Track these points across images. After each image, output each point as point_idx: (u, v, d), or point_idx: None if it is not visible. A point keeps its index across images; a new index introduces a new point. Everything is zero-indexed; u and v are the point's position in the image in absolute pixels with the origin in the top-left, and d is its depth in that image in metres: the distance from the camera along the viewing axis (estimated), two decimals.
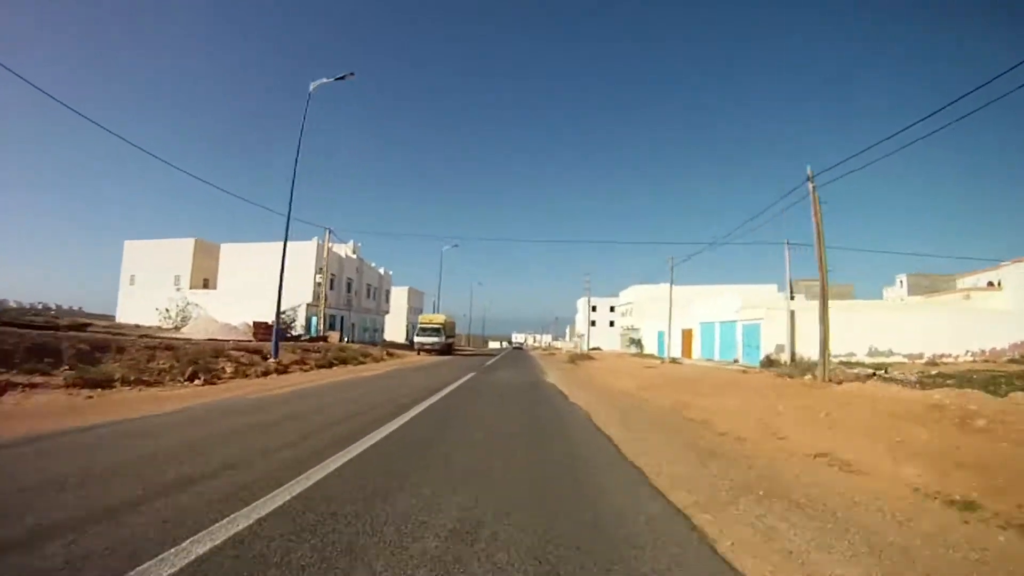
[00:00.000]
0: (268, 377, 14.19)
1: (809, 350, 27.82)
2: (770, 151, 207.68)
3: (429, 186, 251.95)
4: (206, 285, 45.63)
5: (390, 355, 27.67)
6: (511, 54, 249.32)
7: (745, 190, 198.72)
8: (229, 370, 14.08)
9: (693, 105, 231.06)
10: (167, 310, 38.15)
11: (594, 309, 75.80)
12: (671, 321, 31.28)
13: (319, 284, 36.65)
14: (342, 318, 44.69)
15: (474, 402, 9.09)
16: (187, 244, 46.47)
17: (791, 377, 15.09)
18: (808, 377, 14.12)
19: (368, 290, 50.37)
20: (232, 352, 16.14)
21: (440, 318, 35.83)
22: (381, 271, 54.16)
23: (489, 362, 27.01)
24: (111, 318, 44.91)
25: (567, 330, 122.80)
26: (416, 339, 33.50)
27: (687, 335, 38.37)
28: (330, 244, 42.09)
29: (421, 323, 35.17)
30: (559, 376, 17.33)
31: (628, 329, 57.96)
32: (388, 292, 56.76)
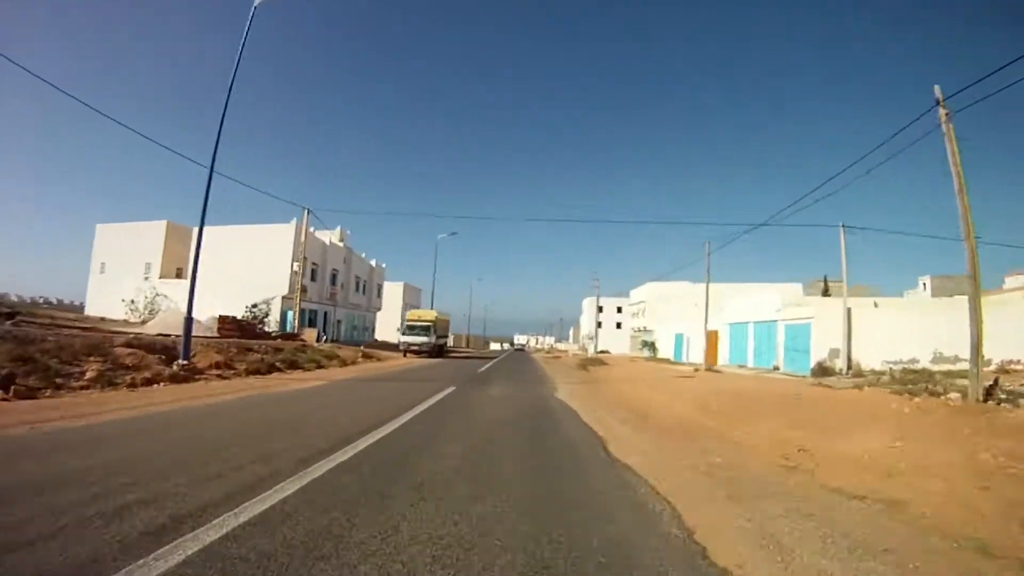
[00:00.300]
0: (149, 388, 9.73)
1: (867, 355, 23.26)
2: (775, 150, 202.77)
3: (429, 187, 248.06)
4: (179, 275, 41.27)
5: (367, 357, 23.14)
6: (511, 55, 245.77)
7: (745, 190, 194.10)
8: (91, 375, 9.64)
9: (695, 105, 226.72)
10: (132, 301, 34.31)
11: (600, 310, 71.17)
12: (707, 319, 26.68)
13: (296, 273, 32.18)
14: (326, 314, 40.23)
15: (419, 470, 4.42)
16: (158, 228, 42.21)
17: (911, 395, 10.43)
18: (954, 395, 9.44)
19: (357, 284, 45.84)
20: (119, 349, 11.69)
21: (431, 314, 31.21)
22: (372, 263, 49.61)
23: (484, 367, 22.36)
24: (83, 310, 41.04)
25: (571, 332, 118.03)
26: (402, 338, 28.91)
27: (712, 338, 33.60)
28: (311, 228, 37.69)
29: (408, 320, 30.56)
30: (573, 391, 12.67)
31: (640, 331, 53.22)
32: (380, 287, 52.20)
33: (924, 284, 56.30)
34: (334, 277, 40.66)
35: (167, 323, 25.40)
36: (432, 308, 42.29)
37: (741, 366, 27.91)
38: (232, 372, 13.16)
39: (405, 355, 28.37)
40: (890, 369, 23.32)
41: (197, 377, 11.83)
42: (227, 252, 36.78)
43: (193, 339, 16.70)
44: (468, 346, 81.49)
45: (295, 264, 33.86)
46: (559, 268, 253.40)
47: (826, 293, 43.25)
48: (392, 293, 58.75)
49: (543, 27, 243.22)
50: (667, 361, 37.79)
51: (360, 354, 22.90)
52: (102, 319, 30.89)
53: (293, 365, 15.77)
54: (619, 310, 76.94)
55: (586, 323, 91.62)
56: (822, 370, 22.25)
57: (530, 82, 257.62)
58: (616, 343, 63.22)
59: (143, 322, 27.78)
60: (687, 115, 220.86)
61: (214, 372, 12.80)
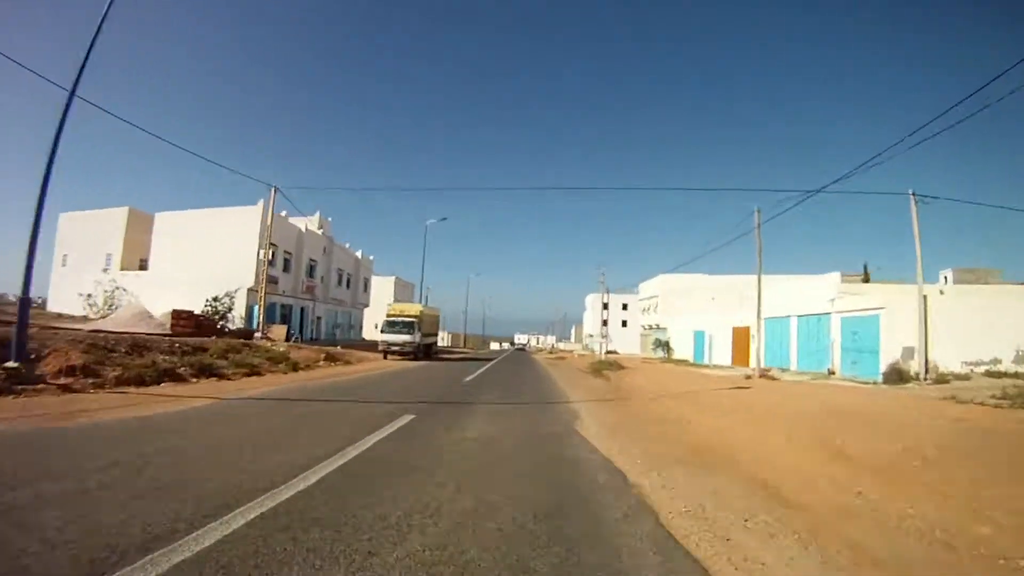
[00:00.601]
0: None
1: (943, 354, 18.96)
2: (784, 150, 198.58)
3: (429, 187, 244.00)
4: (143, 266, 37.18)
5: (331, 359, 18.77)
6: (509, 53, 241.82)
7: (749, 191, 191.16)
8: None
9: (698, 105, 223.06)
10: (89, 296, 30.45)
11: (605, 307, 66.82)
12: (760, 306, 21.78)
13: (261, 261, 27.85)
14: (302, 309, 35.89)
15: None
16: (119, 215, 38.05)
17: None
18: None
19: (340, 277, 41.44)
20: None
21: (415, 308, 26.76)
22: (358, 255, 45.18)
23: (474, 374, 17.92)
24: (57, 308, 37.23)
25: (572, 331, 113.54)
26: (380, 337, 24.50)
27: (741, 336, 29.25)
28: (282, 212, 33.33)
29: (388, 316, 26.12)
30: (604, 418, 8.21)
31: (651, 329, 48.82)
32: (368, 281, 47.80)
33: (945, 277, 52.22)
34: (311, 268, 36.26)
35: (119, 319, 21.73)
36: (422, 302, 37.86)
37: (784, 369, 23.54)
38: (93, 382, 8.81)
39: (385, 357, 24.01)
40: (971, 371, 19.10)
41: (22, 389, 7.53)
42: (190, 239, 32.56)
43: (121, 335, 12.47)
44: (465, 346, 77.17)
45: (261, 251, 29.52)
46: (560, 265, 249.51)
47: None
48: (382, 289, 54.46)
49: (544, 26, 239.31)
50: (685, 363, 33.43)
51: (323, 356, 18.52)
52: (59, 315, 27.88)
53: (206, 371, 11.38)
54: (624, 307, 72.58)
55: (589, 321, 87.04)
56: (897, 375, 17.93)
57: (527, 81, 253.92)
58: (622, 342, 58.78)
59: (103, 317, 24.34)
60: (692, 115, 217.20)
61: (61, 381, 8.48)
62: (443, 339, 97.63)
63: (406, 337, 23.73)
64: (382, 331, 24.44)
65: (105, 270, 35.44)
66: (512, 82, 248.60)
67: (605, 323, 62.55)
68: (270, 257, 29.63)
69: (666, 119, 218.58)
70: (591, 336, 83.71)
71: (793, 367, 23.74)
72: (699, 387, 13.26)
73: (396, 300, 54.86)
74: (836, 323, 21.34)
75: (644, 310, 52.21)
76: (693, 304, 41.64)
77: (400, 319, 24.62)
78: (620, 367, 21.93)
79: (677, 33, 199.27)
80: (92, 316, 26.92)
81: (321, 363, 17.68)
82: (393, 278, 55.93)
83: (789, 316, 24.65)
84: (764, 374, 17.36)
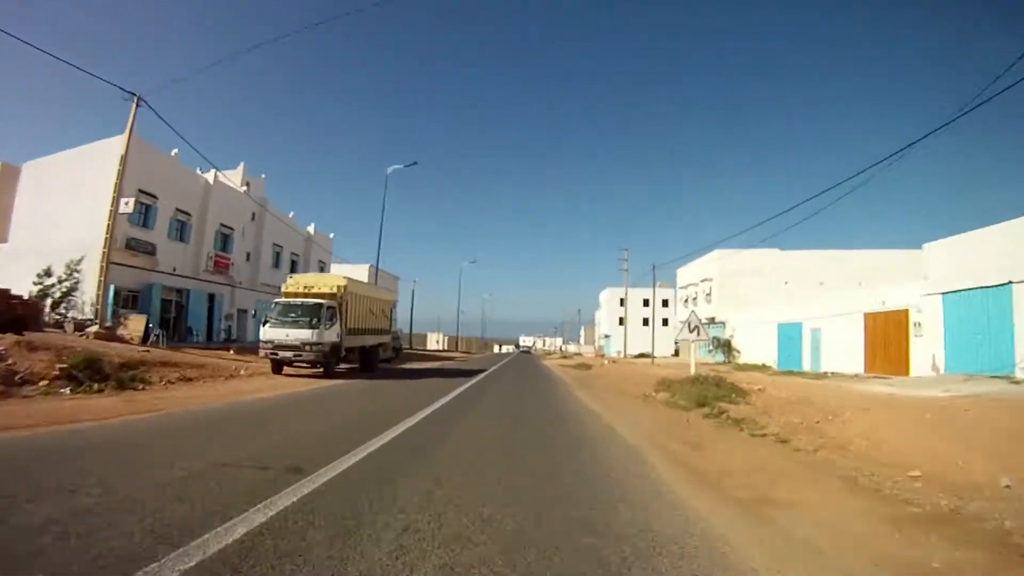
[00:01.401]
0: None
1: None
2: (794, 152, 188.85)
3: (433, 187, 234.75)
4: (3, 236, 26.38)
5: (89, 380, 8.00)
6: (513, 55, 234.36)
7: (754, 189, 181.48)
8: None
9: (702, 105, 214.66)
10: None
11: (621, 302, 56.06)
12: None
13: (121, 213, 17.16)
14: (212, 297, 25.02)
15: None
16: None
17: None
18: None
19: (278, 257, 30.58)
20: None
21: (330, 281, 15.11)
22: (310, 229, 34.44)
23: (410, 422, 6.52)
24: None
25: (582, 332, 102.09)
26: (263, 334, 13.32)
27: (886, 326, 18.26)
28: (175, 152, 22.62)
29: (284, 295, 15.10)
30: None
31: (699, 323, 37.66)
32: (325, 266, 36.84)
33: None
34: (226, 239, 25.40)
35: None
36: (381, 285, 26.59)
37: (999, 377, 12.73)
38: None
39: (278, 369, 13.17)
40: None
41: None
42: (57, 192, 22.05)
43: None
44: (459, 349, 66.04)
45: (124, 203, 18.71)
46: (568, 266, 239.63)
47: None
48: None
49: (543, 26, 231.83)
50: (768, 368, 22.58)
51: (58, 371, 7.70)
52: None
53: None
54: (645, 303, 60.93)
55: (604, 320, 75.99)
56: None
57: (528, 80, 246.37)
58: (644, 343, 46.74)
59: None
60: (699, 113, 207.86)
61: None
62: (438, 342, 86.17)
63: (304, 334, 12.45)
64: (264, 322, 13.43)
65: None
66: (512, 82, 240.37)
67: (621, 321, 51.29)
68: (130, 209, 19.11)
69: (666, 118, 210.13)
70: (607, 336, 72.57)
71: (1021, 374, 12.94)
72: None
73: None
74: None
75: (687, 300, 40.97)
76: (758, 290, 30.86)
77: (300, 303, 13.51)
78: (740, 390, 10.88)
79: (677, 33, 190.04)
80: None
81: (44, 385, 6.95)
82: (368, 267, 44.87)
83: (1010, 283, 13.65)
84: None
